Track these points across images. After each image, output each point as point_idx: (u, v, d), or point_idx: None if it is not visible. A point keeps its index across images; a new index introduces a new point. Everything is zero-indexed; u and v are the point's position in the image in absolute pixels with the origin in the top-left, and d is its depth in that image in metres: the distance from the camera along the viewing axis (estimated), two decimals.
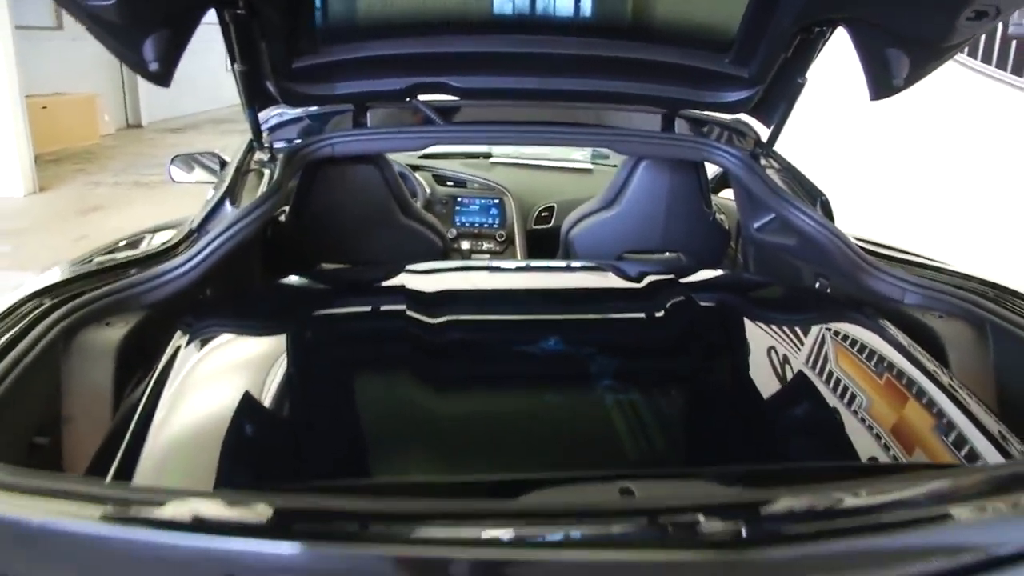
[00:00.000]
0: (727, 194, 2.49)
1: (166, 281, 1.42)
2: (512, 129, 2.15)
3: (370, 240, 2.21)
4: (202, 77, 10.74)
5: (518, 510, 0.75)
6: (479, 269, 2.00)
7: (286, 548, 0.63)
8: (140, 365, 1.25)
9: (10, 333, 1.12)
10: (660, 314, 1.36)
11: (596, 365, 1.24)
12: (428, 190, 2.98)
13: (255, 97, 1.87)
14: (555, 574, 0.64)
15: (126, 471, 0.91)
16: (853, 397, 1.16)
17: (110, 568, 0.68)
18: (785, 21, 1.68)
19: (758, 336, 1.40)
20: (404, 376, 1.21)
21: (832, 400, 1.16)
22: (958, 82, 3.73)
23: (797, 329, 1.36)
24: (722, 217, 2.37)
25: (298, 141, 2.00)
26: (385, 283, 1.57)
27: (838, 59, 1.85)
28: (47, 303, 1.25)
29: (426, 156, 3.20)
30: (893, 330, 1.35)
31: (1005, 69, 3.47)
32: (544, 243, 2.86)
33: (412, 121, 2.16)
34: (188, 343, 1.20)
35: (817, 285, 1.81)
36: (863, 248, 1.65)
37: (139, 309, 1.36)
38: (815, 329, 1.37)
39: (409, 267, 1.53)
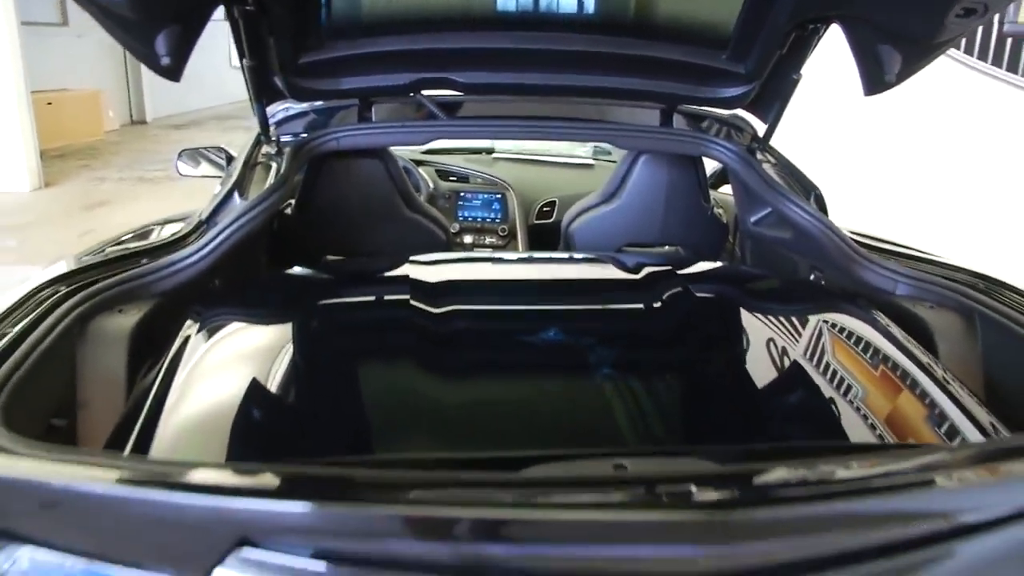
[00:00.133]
0: (726, 190, 2.52)
1: (177, 270, 1.46)
2: (514, 124, 2.19)
3: (374, 233, 2.25)
4: (206, 74, 10.82)
5: (515, 479, 0.79)
6: (481, 260, 2.04)
7: (297, 508, 0.67)
8: (152, 351, 1.28)
9: (28, 319, 1.16)
10: (657, 304, 1.40)
11: (595, 351, 1.28)
12: (431, 185, 3.02)
13: (263, 92, 1.91)
14: (552, 534, 0.68)
15: (140, 450, 0.95)
16: (843, 383, 1.21)
17: (127, 530, 0.72)
18: (780, 18, 1.72)
19: (752, 325, 1.44)
20: (407, 362, 1.25)
21: (823, 386, 1.20)
22: (956, 79, 3.78)
23: (790, 318, 1.41)
24: (720, 211, 2.40)
25: (304, 135, 2.05)
26: (389, 273, 1.61)
27: (832, 57, 1.88)
28: (63, 290, 1.28)
29: (429, 152, 3.24)
30: (884, 320, 1.38)
31: (1001, 66, 3.51)
32: (546, 238, 2.90)
33: (416, 116, 2.20)
34: (198, 330, 1.24)
35: (812, 277, 1.85)
36: (856, 241, 1.69)
37: (150, 297, 1.39)
38: (807, 319, 1.41)
39: (413, 258, 1.58)
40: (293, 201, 2.18)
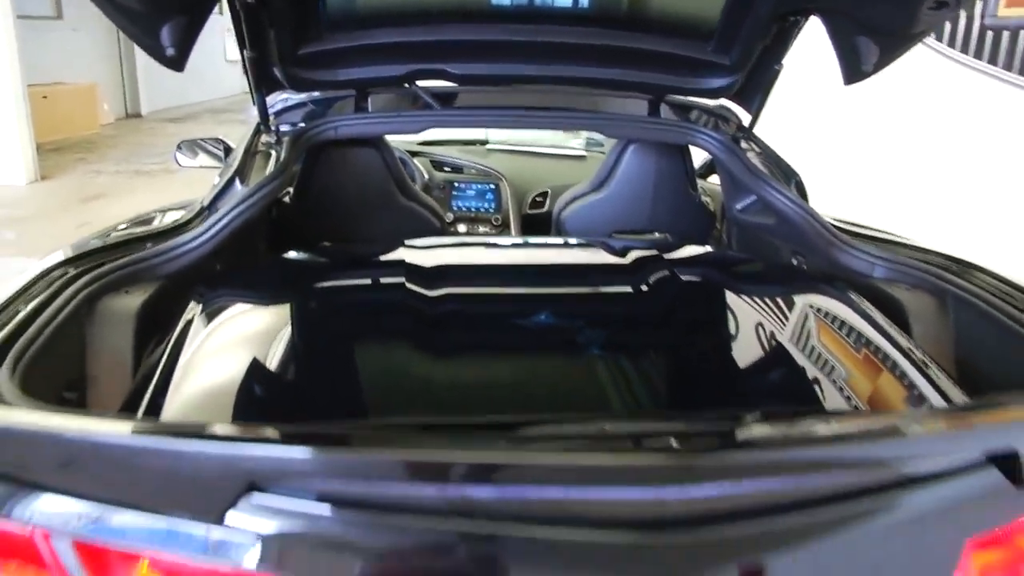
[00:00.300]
0: (715, 180, 2.58)
1: (180, 254, 1.50)
2: (506, 113, 2.25)
3: (370, 221, 2.30)
4: (201, 68, 10.82)
5: (503, 431, 0.86)
6: (475, 245, 2.10)
7: (300, 454, 0.74)
8: (157, 331, 1.34)
9: (40, 298, 1.21)
10: (645, 286, 1.47)
11: (583, 329, 1.36)
12: (426, 175, 3.07)
13: (263, 82, 1.96)
14: (534, 477, 0.75)
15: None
16: (820, 360, 1.28)
17: (145, 478, 0.78)
18: (763, 10, 1.78)
19: (733, 305, 1.51)
20: (401, 340, 1.32)
21: (801, 362, 1.27)
22: (938, 72, 3.85)
23: (770, 299, 1.48)
24: (707, 199, 2.47)
25: (302, 124, 2.10)
26: (385, 257, 1.67)
27: (812, 50, 1.94)
28: (71, 272, 1.33)
29: (424, 143, 3.29)
30: (861, 301, 1.45)
31: (982, 59, 3.58)
32: (538, 227, 2.95)
33: (411, 106, 2.26)
34: (202, 310, 1.30)
35: (795, 262, 1.91)
36: (836, 227, 1.75)
37: (155, 280, 1.44)
38: (787, 300, 1.48)
39: (408, 242, 1.64)
40: (291, 189, 2.23)
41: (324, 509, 0.75)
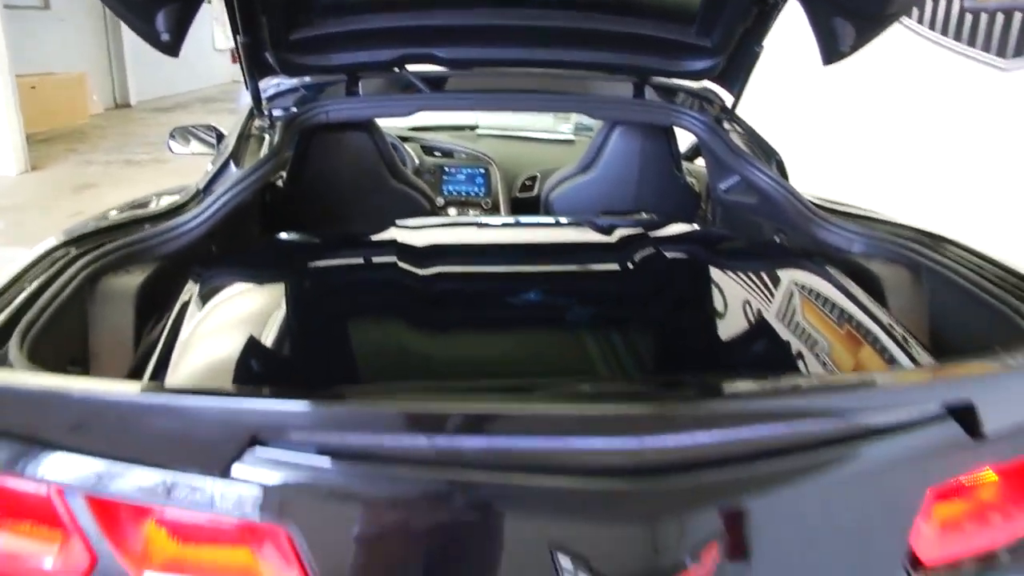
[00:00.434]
0: (701, 163, 2.63)
1: (178, 235, 1.54)
2: (493, 96, 2.29)
3: (362, 204, 2.34)
4: (190, 56, 10.77)
5: (490, 386, 0.91)
6: (466, 225, 2.15)
7: (299, 407, 0.79)
8: (156, 309, 1.38)
9: (44, 276, 1.25)
10: (631, 263, 1.53)
11: (571, 303, 1.42)
12: (417, 160, 3.11)
13: (255, 67, 2.00)
14: (519, 427, 0.80)
15: None
16: (799, 330, 1.34)
17: (154, 435, 0.82)
18: None
19: (716, 278, 1.57)
20: (393, 315, 1.37)
21: (781, 332, 1.33)
22: (919, 52, 3.91)
23: (752, 273, 1.53)
24: (693, 180, 2.52)
25: (294, 109, 2.14)
26: (376, 237, 1.72)
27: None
28: (73, 252, 1.37)
29: (414, 128, 3.33)
30: (838, 275, 1.51)
31: (961, 40, 3.64)
32: (528, 210, 2.99)
33: (400, 90, 2.30)
34: (200, 289, 1.35)
35: (777, 240, 1.97)
36: (816, 204, 1.80)
37: (153, 260, 1.47)
38: (768, 274, 1.54)
39: (399, 222, 1.69)
40: (284, 174, 2.27)
41: (324, 461, 0.80)
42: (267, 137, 1.96)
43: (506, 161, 3.17)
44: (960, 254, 1.52)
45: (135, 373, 1.20)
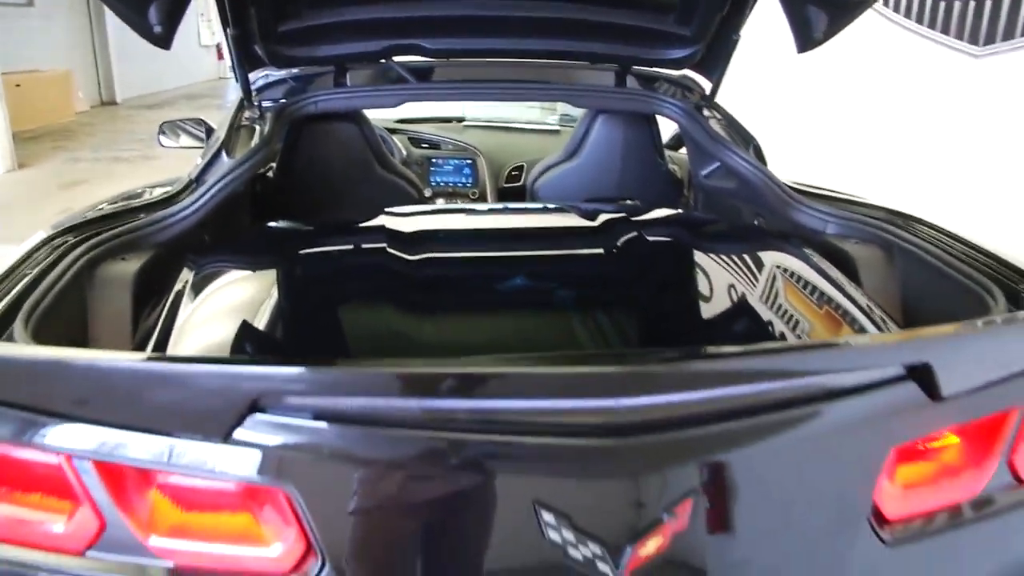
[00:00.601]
0: (685, 152, 2.68)
1: (172, 223, 1.58)
2: (478, 86, 2.34)
3: (351, 193, 2.38)
4: (176, 53, 10.72)
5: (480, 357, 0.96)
6: (455, 211, 2.20)
7: (298, 372, 0.83)
8: (152, 295, 1.42)
9: (43, 263, 1.29)
10: (615, 246, 1.58)
11: (556, 284, 1.48)
12: (404, 152, 3.15)
13: (245, 59, 2.04)
14: (503, 389, 0.85)
15: None
16: (776, 307, 1.39)
17: (157, 402, 0.86)
18: None
19: (697, 259, 1.63)
20: (383, 298, 1.42)
21: (760, 309, 1.38)
22: (894, 40, 3.99)
23: (731, 254, 1.59)
24: (675, 168, 2.57)
25: (284, 100, 2.18)
26: (365, 224, 1.77)
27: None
28: (71, 239, 1.41)
29: (402, 121, 3.37)
30: (814, 255, 1.56)
31: (935, 28, 3.71)
32: (514, 200, 3.04)
33: (388, 81, 2.34)
34: (195, 275, 1.39)
35: (756, 223, 2.02)
36: (793, 188, 1.86)
37: (149, 247, 1.51)
38: (746, 255, 1.59)
39: (388, 210, 1.73)
40: (274, 165, 2.31)
41: (320, 424, 0.85)
42: (257, 128, 1.99)
43: (493, 152, 3.22)
44: (930, 233, 1.57)
45: None
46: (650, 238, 1.66)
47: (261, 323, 1.26)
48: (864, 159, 4.19)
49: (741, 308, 1.38)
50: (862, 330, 1.28)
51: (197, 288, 1.35)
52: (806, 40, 1.91)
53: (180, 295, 1.32)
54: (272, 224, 1.78)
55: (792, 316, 1.35)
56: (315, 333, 1.29)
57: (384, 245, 1.50)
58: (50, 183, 7.16)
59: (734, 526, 0.92)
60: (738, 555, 0.93)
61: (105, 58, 12.41)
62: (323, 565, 0.88)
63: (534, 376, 0.85)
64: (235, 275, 1.52)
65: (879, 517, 1.00)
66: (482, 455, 0.86)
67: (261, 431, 0.85)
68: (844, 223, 1.71)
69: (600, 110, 2.40)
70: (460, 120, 3.54)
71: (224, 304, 1.36)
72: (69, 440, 0.87)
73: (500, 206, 2.67)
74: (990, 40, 3.45)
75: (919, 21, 3.79)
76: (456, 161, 3.16)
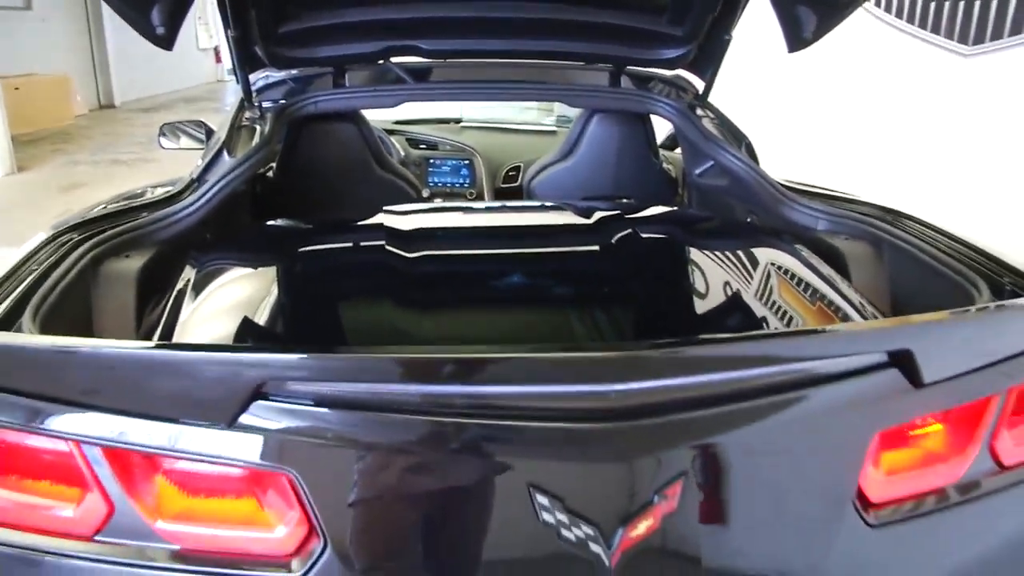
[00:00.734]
0: (679, 152, 2.71)
1: (175, 221, 1.60)
2: (475, 86, 2.37)
3: (350, 193, 2.40)
4: (174, 56, 10.74)
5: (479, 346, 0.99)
6: (452, 209, 2.23)
7: (301, 359, 0.86)
8: (155, 291, 1.45)
9: (49, 260, 1.32)
10: (610, 242, 1.61)
11: (552, 280, 1.51)
12: (402, 153, 3.18)
13: (246, 61, 2.07)
14: (497, 374, 0.89)
15: None
16: (768, 302, 1.42)
17: (163, 389, 0.89)
18: None
19: (690, 255, 1.66)
20: (382, 294, 1.45)
21: (753, 304, 1.41)
22: (886, 41, 4.03)
23: (723, 251, 1.62)
24: (669, 167, 2.60)
25: (283, 100, 2.21)
26: (364, 222, 1.80)
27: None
28: (76, 237, 1.43)
29: (400, 122, 3.40)
30: (805, 251, 1.59)
31: (926, 28, 3.75)
32: (511, 199, 3.08)
33: (386, 82, 2.37)
34: (198, 272, 1.42)
35: (748, 221, 2.05)
36: (784, 185, 1.89)
37: (152, 245, 1.54)
38: (738, 251, 1.62)
39: (386, 208, 1.76)
40: (274, 165, 2.34)
41: (322, 409, 0.88)
42: (258, 128, 2.02)
43: (490, 152, 3.25)
44: (918, 228, 1.60)
45: None
46: (644, 235, 1.68)
47: (262, 318, 1.29)
48: (855, 158, 4.23)
49: (733, 303, 1.41)
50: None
51: (199, 285, 1.37)
52: (796, 40, 1.94)
53: (183, 291, 1.34)
54: (272, 222, 1.81)
55: (783, 310, 1.38)
56: (315, 328, 1.32)
57: (382, 242, 1.53)
58: (50, 186, 7.18)
59: (722, 508, 0.95)
60: (726, 536, 0.96)
61: (103, 62, 12.41)
62: (325, 547, 0.91)
63: (529, 362, 0.88)
64: (237, 272, 1.55)
65: (864, 500, 1.02)
66: (478, 439, 0.89)
67: (265, 417, 0.88)
68: (834, 220, 1.74)
69: (595, 110, 2.43)
70: (458, 121, 3.57)
71: (226, 300, 1.39)
72: (78, 427, 0.90)
73: (497, 204, 2.70)
74: (979, 40, 3.48)
75: (909, 20, 3.83)
76: (454, 162, 3.19)
